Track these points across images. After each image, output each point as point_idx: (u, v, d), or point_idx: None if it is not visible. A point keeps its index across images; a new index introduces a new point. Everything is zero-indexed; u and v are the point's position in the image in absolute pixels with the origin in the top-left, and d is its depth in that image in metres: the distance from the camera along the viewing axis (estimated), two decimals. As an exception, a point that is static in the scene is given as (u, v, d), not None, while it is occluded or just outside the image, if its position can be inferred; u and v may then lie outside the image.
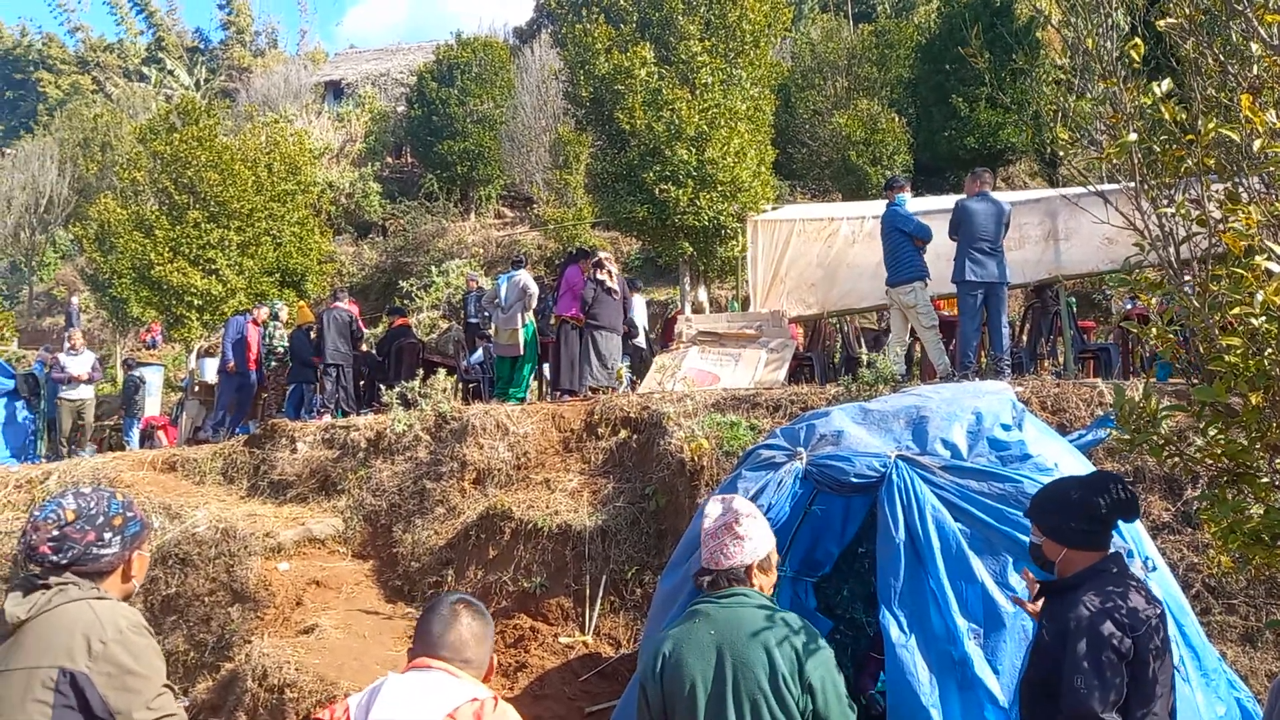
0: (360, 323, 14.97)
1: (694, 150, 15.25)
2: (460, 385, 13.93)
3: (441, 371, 11.18)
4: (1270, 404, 2.90)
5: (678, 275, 18.15)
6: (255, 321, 14.61)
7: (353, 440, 10.61)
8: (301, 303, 17.66)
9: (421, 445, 10.18)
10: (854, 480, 5.09)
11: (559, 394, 11.87)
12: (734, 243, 15.99)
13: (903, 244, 9.69)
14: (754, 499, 5.25)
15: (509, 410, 10.19)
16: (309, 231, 20.57)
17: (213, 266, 18.47)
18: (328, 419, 12.23)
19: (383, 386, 11.60)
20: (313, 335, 14.31)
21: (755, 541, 3.28)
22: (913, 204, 10.19)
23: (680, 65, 15.75)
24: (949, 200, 10.76)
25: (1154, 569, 4.87)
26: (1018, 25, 21.15)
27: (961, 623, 4.51)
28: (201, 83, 44.59)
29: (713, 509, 3.38)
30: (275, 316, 15.41)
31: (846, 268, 12.23)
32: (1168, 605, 4.82)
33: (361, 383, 14.01)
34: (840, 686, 3.07)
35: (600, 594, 8.15)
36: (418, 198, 27.95)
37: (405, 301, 22.25)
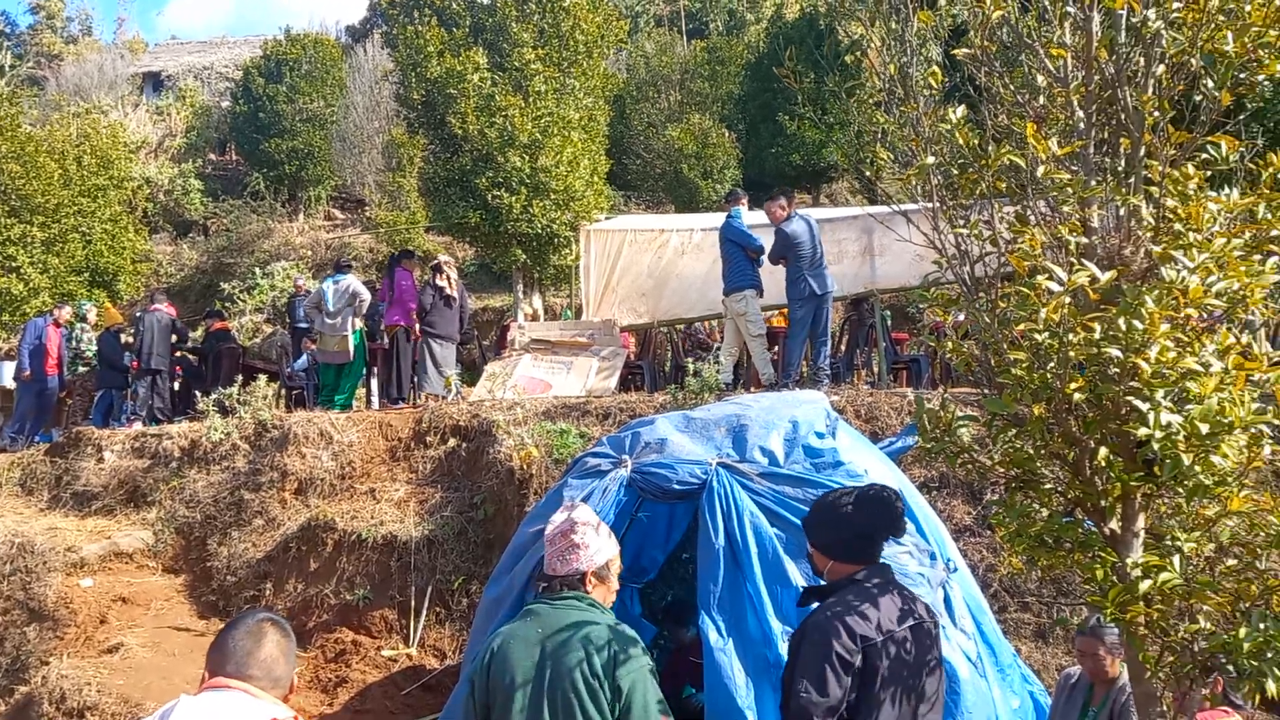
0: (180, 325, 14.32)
1: (527, 158, 15.23)
2: (284, 392, 13.49)
3: (263, 378, 10.79)
4: (1053, 414, 3.10)
5: (511, 282, 18.07)
6: (57, 323, 13.73)
7: (165, 449, 10.14)
8: (109, 304, 16.71)
9: (240, 454, 9.82)
10: (676, 487, 5.18)
11: (387, 402, 11.65)
12: (567, 251, 16.05)
13: (737, 254, 9.91)
14: (579, 507, 5.27)
15: (333, 418, 9.94)
16: (122, 229, 19.56)
17: (13, 264, 17.28)
18: (139, 427, 11.65)
19: (199, 393, 11.13)
20: (124, 338, 13.58)
21: (592, 550, 3.34)
22: (748, 217, 10.44)
23: (513, 72, 15.71)
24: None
25: (955, 570, 5.14)
26: (840, 47, 21.95)
27: (776, 626, 4.64)
28: (6, 69, 41.67)
29: (556, 517, 3.44)
30: (82, 318, 14.52)
31: (676, 278, 12.42)
32: (968, 604, 5.09)
33: (176, 387, 13.40)
34: (651, 692, 3.13)
35: (426, 605, 8.04)
36: (243, 196, 26.95)
37: (227, 305, 21.37)
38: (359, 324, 12.05)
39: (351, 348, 11.90)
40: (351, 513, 8.76)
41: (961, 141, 3.15)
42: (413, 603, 8.08)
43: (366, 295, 12.00)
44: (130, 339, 13.39)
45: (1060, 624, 6.27)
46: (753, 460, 5.19)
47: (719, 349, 11.01)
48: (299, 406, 12.71)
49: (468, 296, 13.17)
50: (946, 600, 4.86)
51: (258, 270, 23.10)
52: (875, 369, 11.52)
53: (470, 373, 14.54)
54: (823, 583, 3.48)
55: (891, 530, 3.41)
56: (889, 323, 12.47)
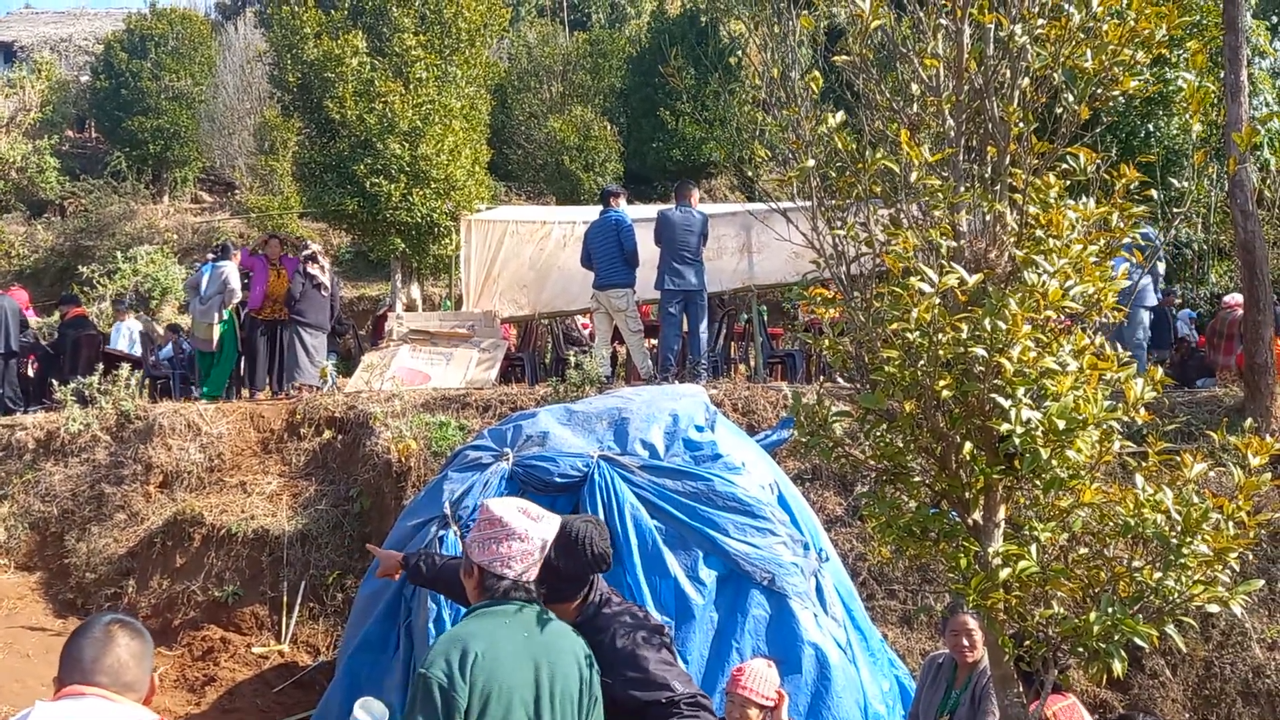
0: (33, 311, 13.65)
1: (407, 145, 14.98)
2: (149, 382, 12.99)
3: (126, 366, 10.36)
4: (922, 410, 3.23)
5: (389, 271, 17.77)
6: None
7: (18, 440, 9.66)
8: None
9: (100, 446, 9.42)
10: (558, 480, 5.21)
11: (256, 392, 11.35)
12: (447, 240, 15.86)
13: (619, 249, 9.91)
14: (460, 500, 5.26)
15: (202, 409, 9.63)
16: (-30, 208, 18.52)
17: None
18: (-11, 417, 11.07)
19: (55, 382, 10.64)
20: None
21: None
22: (630, 212, 10.46)
23: (394, 58, 15.42)
24: (655, 210, 11.14)
25: (827, 559, 5.30)
26: (721, 46, 22.21)
27: (655, 616, 4.71)
28: None
29: (521, 522, 3.13)
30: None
31: (558, 270, 12.41)
32: (839, 592, 5.26)
33: (29, 374, 12.78)
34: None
35: (299, 601, 7.88)
36: (103, 176, 25.76)
37: (86, 289, 20.43)
38: (224, 313, 11.67)
39: (216, 336, 11.54)
40: (221, 507, 8.51)
41: (840, 145, 3.26)
42: (285, 599, 7.90)
43: (235, 287, 11.62)
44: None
45: (925, 611, 6.52)
46: (634, 453, 5.26)
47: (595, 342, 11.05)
48: (165, 397, 12.27)
49: (339, 284, 12.90)
50: (819, 589, 5.02)
51: (119, 254, 22.14)
52: (752, 364, 11.73)
53: (347, 363, 14.25)
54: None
55: (598, 568, 3.51)
56: (765, 318, 12.72)
